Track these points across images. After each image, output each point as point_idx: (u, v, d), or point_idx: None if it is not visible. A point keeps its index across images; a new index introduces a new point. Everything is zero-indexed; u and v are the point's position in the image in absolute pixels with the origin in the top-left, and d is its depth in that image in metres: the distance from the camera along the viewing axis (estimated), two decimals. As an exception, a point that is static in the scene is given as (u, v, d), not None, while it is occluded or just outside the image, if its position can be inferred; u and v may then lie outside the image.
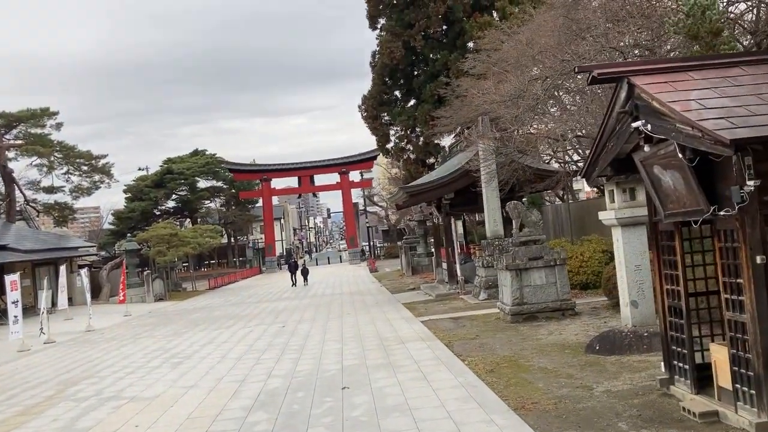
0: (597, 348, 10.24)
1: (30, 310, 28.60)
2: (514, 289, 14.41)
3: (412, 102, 32.80)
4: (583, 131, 14.37)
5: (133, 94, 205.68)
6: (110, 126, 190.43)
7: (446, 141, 32.38)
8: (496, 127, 17.25)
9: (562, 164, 23.05)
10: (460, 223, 28.11)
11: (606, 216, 10.15)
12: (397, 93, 33.50)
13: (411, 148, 33.28)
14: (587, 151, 20.39)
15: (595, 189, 33.70)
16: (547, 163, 23.97)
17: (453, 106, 23.24)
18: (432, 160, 33.23)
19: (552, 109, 18.13)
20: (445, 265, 24.25)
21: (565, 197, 30.71)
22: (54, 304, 30.46)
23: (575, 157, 23.99)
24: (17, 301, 19.58)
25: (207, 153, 66.54)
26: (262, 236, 71.85)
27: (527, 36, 16.58)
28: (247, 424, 8.12)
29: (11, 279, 19.83)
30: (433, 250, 34.45)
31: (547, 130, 17.99)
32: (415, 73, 32.29)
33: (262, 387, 10.28)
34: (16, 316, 19.17)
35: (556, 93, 16.88)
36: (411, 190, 22.51)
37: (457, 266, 22.15)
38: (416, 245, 39.60)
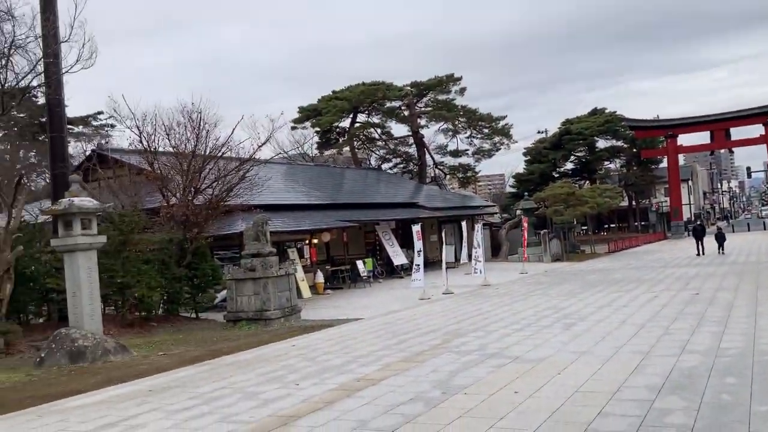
0: None
1: (437, 264, 30.48)
2: None
3: None
4: None
5: (540, 66, 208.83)
6: (518, 98, 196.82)
7: None
8: None
9: None
10: None
11: None
12: None
13: None
14: None
15: None
16: None
17: None
18: None
19: None
20: None
21: None
22: (456, 259, 32.03)
23: None
24: (420, 251, 20.55)
25: (606, 111, 63.39)
26: (667, 199, 65.83)
27: None
28: (655, 411, 6.08)
29: (416, 229, 20.89)
30: None
31: None
32: None
33: (674, 364, 8.02)
34: (418, 265, 20.10)
35: None
36: None
37: None
38: None
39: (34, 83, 12.93)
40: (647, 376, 7.51)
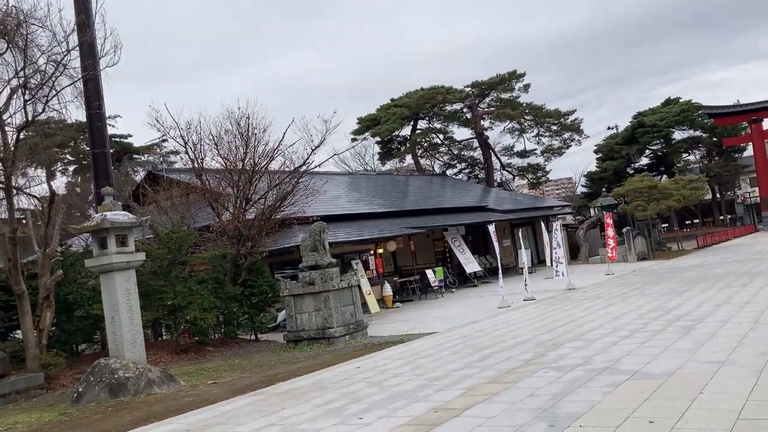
0: None
1: (511, 270, 28.44)
2: None
3: None
4: None
5: (608, 64, 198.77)
6: (587, 98, 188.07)
7: None
8: None
9: None
10: None
11: None
12: None
13: None
14: None
15: None
16: None
17: None
18: None
19: None
20: None
21: None
22: (533, 263, 29.87)
23: None
24: (498, 254, 18.78)
25: (680, 101, 59.71)
26: (755, 189, 61.33)
27: None
28: None
29: (492, 229, 19.16)
30: None
31: None
32: None
33: None
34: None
35: None
36: None
37: None
38: None
39: (68, 88, 11.78)
40: (831, 392, 5.53)
